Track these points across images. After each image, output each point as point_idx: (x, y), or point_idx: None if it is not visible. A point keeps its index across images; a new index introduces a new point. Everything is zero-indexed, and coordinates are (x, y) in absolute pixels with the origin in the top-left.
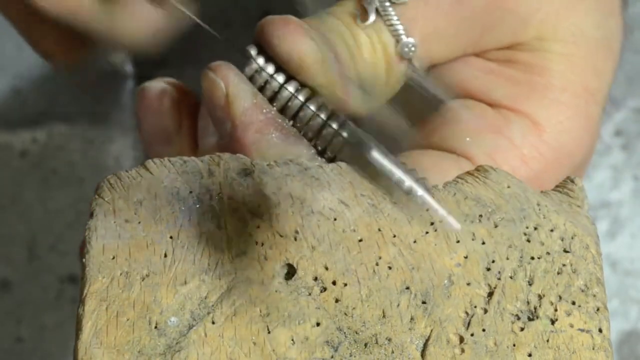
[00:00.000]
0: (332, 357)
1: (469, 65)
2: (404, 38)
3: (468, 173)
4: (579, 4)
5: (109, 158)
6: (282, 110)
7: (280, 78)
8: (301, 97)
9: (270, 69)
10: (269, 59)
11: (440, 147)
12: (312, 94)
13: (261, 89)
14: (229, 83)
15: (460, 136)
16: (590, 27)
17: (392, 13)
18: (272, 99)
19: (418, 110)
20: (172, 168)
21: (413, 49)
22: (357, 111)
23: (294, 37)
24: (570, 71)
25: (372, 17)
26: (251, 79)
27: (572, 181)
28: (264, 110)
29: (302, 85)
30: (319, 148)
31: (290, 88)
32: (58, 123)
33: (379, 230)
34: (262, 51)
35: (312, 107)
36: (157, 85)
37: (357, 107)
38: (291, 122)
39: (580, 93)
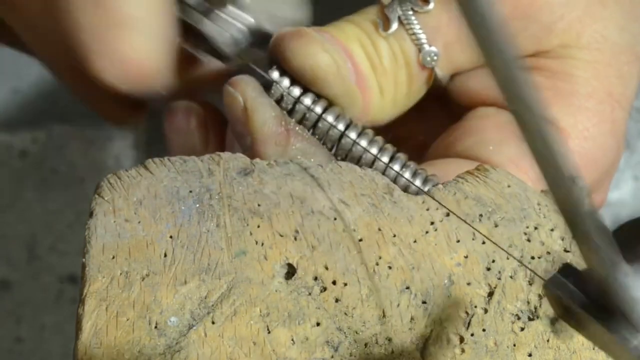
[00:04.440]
0: (332, 357)
1: None
2: (426, 47)
3: (468, 172)
4: (602, 10)
5: (109, 158)
6: (301, 122)
7: (297, 91)
8: (318, 109)
9: (287, 82)
10: (285, 72)
11: (464, 157)
12: (330, 105)
13: (279, 102)
14: (248, 97)
15: (483, 145)
16: (614, 33)
17: (415, 22)
18: (290, 112)
19: (440, 118)
20: (172, 167)
21: (435, 57)
22: (377, 120)
23: (307, 51)
24: (595, 78)
25: (395, 26)
26: (269, 92)
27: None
28: (283, 122)
29: (319, 96)
30: (339, 158)
31: (307, 100)
32: (58, 123)
33: (379, 230)
34: (278, 65)
35: (330, 118)
36: (184, 104)
37: (377, 116)
38: (311, 132)
39: (605, 99)
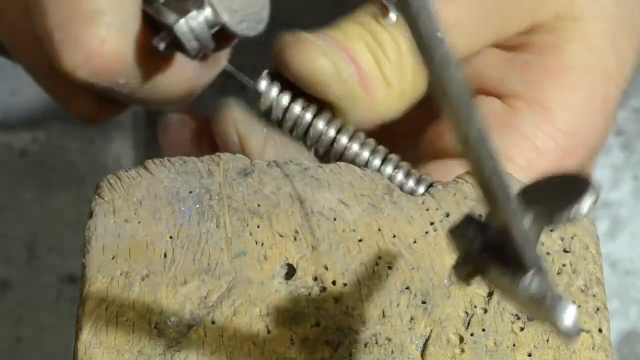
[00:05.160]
0: (332, 357)
1: (486, 55)
2: None
3: (468, 173)
4: None
5: (109, 158)
6: (293, 131)
7: (286, 99)
8: (308, 116)
9: (275, 90)
10: (275, 78)
11: (448, 150)
12: (320, 111)
13: (269, 111)
14: (239, 127)
15: None
16: (611, 4)
17: None
18: (282, 121)
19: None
20: (172, 168)
21: None
22: (387, 115)
23: (306, 56)
24: (588, 50)
25: (394, 15)
26: (258, 102)
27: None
28: (277, 143)
29: (310, 103)
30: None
31: (297, 108)
32: (58, 123)
33: (379, 230)
34: (274, 71)
35: (321, 125)
36: (177, 117)
37: (385, 112)
38: (303, 140)
39: (598, 74)
